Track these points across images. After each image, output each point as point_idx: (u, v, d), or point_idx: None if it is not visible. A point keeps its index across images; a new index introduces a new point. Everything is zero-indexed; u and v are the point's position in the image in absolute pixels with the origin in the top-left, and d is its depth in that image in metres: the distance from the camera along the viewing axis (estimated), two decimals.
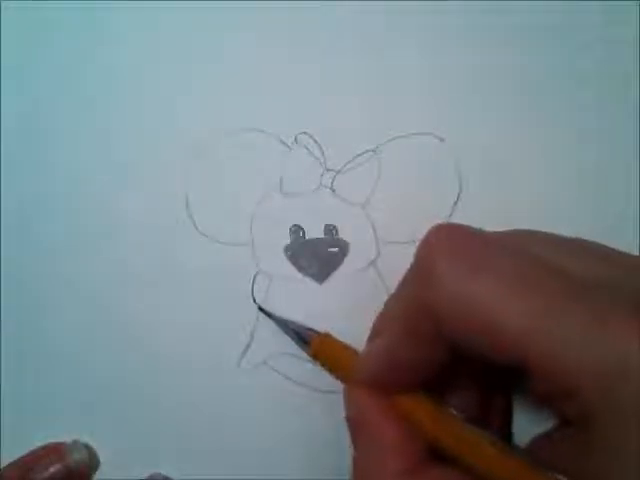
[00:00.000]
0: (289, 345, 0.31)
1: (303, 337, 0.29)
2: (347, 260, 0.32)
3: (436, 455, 0.23)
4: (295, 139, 0.32)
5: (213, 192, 0.32)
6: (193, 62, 0.33)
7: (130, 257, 0.32)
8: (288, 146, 0.32)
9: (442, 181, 0.32)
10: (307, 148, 0.32)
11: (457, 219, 0.31)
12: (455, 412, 0.24)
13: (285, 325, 0.30)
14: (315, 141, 0.32)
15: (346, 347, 0.27)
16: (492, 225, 0.31)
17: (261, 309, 0.31)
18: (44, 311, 0.32)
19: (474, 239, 0.23)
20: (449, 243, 0.23)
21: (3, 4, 0.34)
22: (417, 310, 0.23)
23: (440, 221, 0.31)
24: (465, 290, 0.21)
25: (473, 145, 0.32)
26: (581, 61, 0.32)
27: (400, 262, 0.31)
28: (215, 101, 0.33)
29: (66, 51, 0.33)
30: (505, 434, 0.27)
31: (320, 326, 0.31)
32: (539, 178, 0.31)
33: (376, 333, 0.26)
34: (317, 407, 0.31)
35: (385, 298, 0.31)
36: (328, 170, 0.32)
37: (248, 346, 0.31)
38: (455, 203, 0.31)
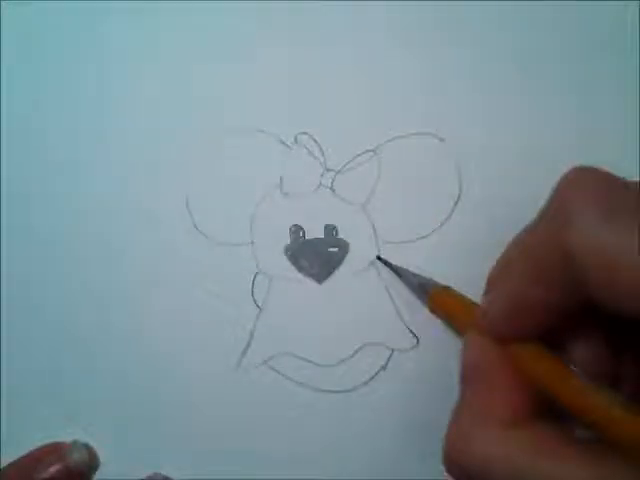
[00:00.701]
0: (289, 345, 0.31)
1: (424, 288, 0.29)
2: (347, 260, 0.32)
3: (551, 411, 0.23)
4: (295, 139, 0.32)
5: (213, 192, 0.32)
6: (193, 62, 0.33)
7: (130, 257, 0.32)
8: (288, 146, 0.32)
9: (442, 181, 0.32)
10: (307, 148, 0.32)
11: (457, 219, 0.31)
12: (576, 369, 0.23)
13: (405, 275, 0.30)
14: (315, 141, 0.32)
15: (467, 299, 0.27)
16: (492, 225, 0.31)
17: (379, 258, 0.31)
18: (43, 311, 0.32)
19: (615, 181, 0.22)
20: (586, 183, 0.22)
21: (3, 4, 0.34)
22: (549, 249, 0.22)
23: (440, 221, 0.32)
24: (604, 233, 0.20)
25: (473, 145, 0.32)
26: (581, 61, 0.32)
27: (400, 262, 0.31)
28: (215, 101, 0.33)
29: (66, 51, 0.33)
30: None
31: (320, 326, 0.31)
32: (539, 178, 0.31)
33: (496, 282, 0.25)
34: (317, 407, 0.31)
35: (385, 298, 0.31)
36: (328, 170, 0.32)
37: (248, 346, 0.31)
38: (455, 203, 0.31)
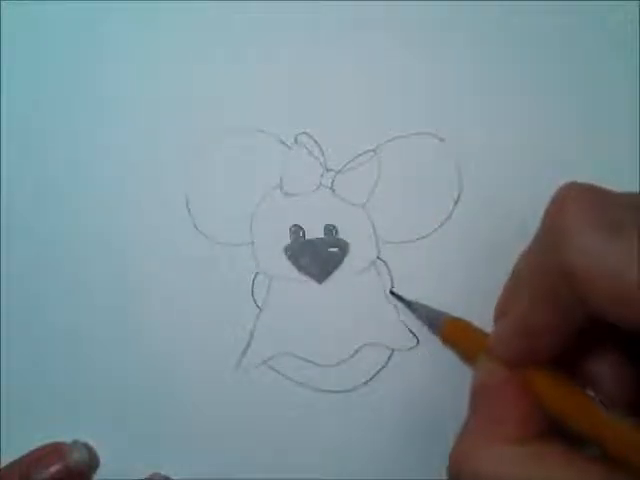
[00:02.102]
0: (289, 345, 0.31)
1: (434, 321, 0.29)
2: (347, 260, 0.32)
3: (561, 432, 0.23)
4: (295, 139, 0.32)
5: (213, 192, 0.32)
6: (193, 62, 0.33)
7: (130, 257, 0.32)
8: (288, 146, 0.32)
9: (442, 181, 0.32)
10: (307, 148, 0.32)
11: (457, 219, 0.31)
12: (590, 392, 0.23)
13: (416, 309, 0.30)
14: (315, 141, 0.32)
15: (477, 330, 0.27)
16: (492, 225, 0.31)
17: (392, 293, 0.31)
18: (44, 310, 0.32)
19: (607, 197, 0.22)
20: (581, 201, 0.22)
21: (3, 4, 0.34)
22: (549, 270, 0.22)
23: (440, 221, 0.32)
24: (604, 249, 0.20)
25: (473, 145, 0.32)
26: (581, 61, 0.32)
27: (400, 262, 0.31)
28: (215, 101, 0.33)
29: (66, 51, 0.33)
30: None
31: (320, 326, 0.31)
32: (539, 178, 0.31)
33: (504, 309, 0.25)
34: (317, 407, 0.31)
35: (385, 298, 0.31)
36: (328, 170, 0.32)
37: (248, 346, 0.31)
38: (455, 203, 0.31)
